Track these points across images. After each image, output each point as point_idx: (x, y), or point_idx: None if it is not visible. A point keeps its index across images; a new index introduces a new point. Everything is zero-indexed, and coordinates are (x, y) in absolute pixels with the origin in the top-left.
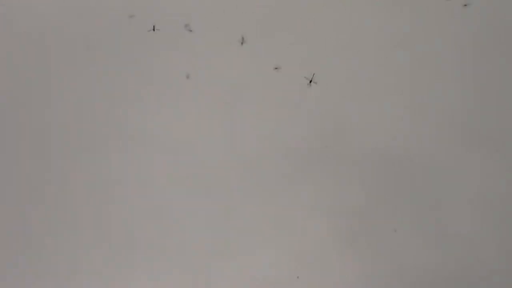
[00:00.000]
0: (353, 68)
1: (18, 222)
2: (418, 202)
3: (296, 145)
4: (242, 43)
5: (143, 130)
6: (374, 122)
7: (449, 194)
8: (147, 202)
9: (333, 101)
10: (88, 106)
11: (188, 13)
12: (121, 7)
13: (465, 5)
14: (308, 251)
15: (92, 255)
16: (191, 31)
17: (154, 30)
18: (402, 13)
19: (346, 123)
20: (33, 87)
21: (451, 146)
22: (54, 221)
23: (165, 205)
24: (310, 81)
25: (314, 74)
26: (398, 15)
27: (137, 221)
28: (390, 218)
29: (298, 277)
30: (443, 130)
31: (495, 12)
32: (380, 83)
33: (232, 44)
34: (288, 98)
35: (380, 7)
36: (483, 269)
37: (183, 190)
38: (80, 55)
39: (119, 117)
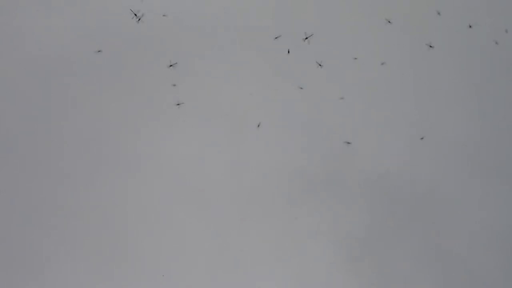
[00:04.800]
0: (360, 95)
1: (25, 246)
2: (421, 228)
3: (300, 170)
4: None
5: (149, 154)
6: (379, 149)
7: (451, 221)
8: (150, 227)
9: (338, 126)
10: (97, 129)
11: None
12: (134, 38)
13: (470, 26)
14: (310, 276)
15: (95, 276)
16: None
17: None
18: (408, 43)
19: (351, 149)
20: (45, 113)
21: (455, 174)
22: (61, 240)
23: (167, 228)
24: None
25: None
26: (405, 44)
27: (140, 243)
28: (393, 244)
29: None
30: (447, 158)
31: (499, 45)
32: (385, 110)
33: (234, 69)
34: (292, 122)
35: (388, 37)
36: None
37: (186, 214)
38: (91, 80)
39: (126, 141)
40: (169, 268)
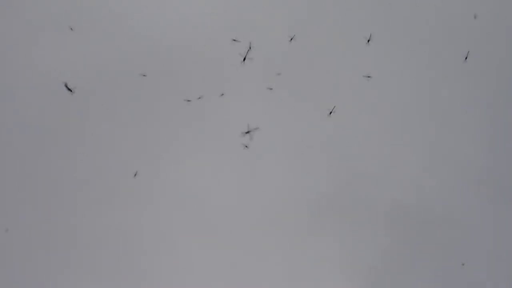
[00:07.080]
0: (372, 121)
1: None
2: (435, 255)
3: (312, 199)
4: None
5: (162, 183)
6: (392, 176)
7: (467, 248)
8: (164, 257)
9: (351, 154)
10: (110, 160)
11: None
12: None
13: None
14: None
15: None
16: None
17: None
18: (421, 67)
19: (364, 176)
20: (60, 145)
21: (469, 200)
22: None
23: (181, 256)
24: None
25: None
26: (418, 69)
27: (153, 272)
28: (407, 273)
29: None
30: (461, 183)
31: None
32: (398, 136)
33: (248, 97)
34: (305, 149)
35: (401, 61)
36: None
37: (197, 243)
38: (105, 111)
39: (140, 172)
40: None
